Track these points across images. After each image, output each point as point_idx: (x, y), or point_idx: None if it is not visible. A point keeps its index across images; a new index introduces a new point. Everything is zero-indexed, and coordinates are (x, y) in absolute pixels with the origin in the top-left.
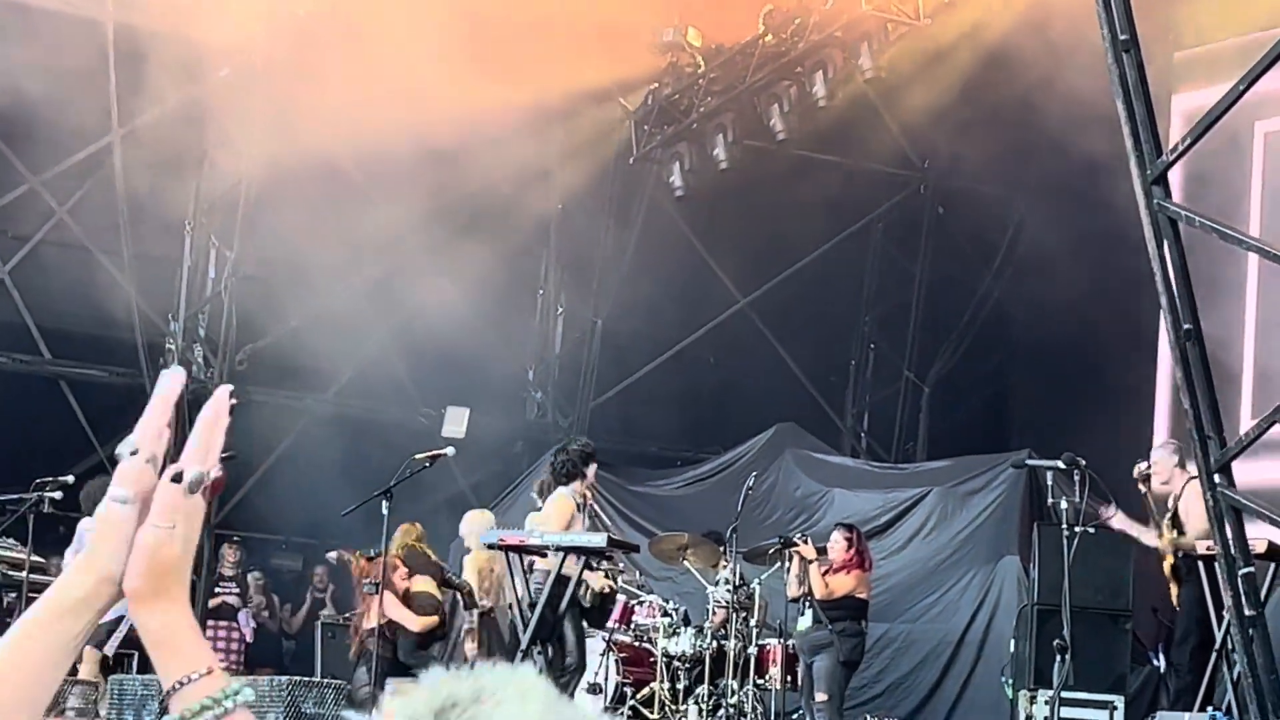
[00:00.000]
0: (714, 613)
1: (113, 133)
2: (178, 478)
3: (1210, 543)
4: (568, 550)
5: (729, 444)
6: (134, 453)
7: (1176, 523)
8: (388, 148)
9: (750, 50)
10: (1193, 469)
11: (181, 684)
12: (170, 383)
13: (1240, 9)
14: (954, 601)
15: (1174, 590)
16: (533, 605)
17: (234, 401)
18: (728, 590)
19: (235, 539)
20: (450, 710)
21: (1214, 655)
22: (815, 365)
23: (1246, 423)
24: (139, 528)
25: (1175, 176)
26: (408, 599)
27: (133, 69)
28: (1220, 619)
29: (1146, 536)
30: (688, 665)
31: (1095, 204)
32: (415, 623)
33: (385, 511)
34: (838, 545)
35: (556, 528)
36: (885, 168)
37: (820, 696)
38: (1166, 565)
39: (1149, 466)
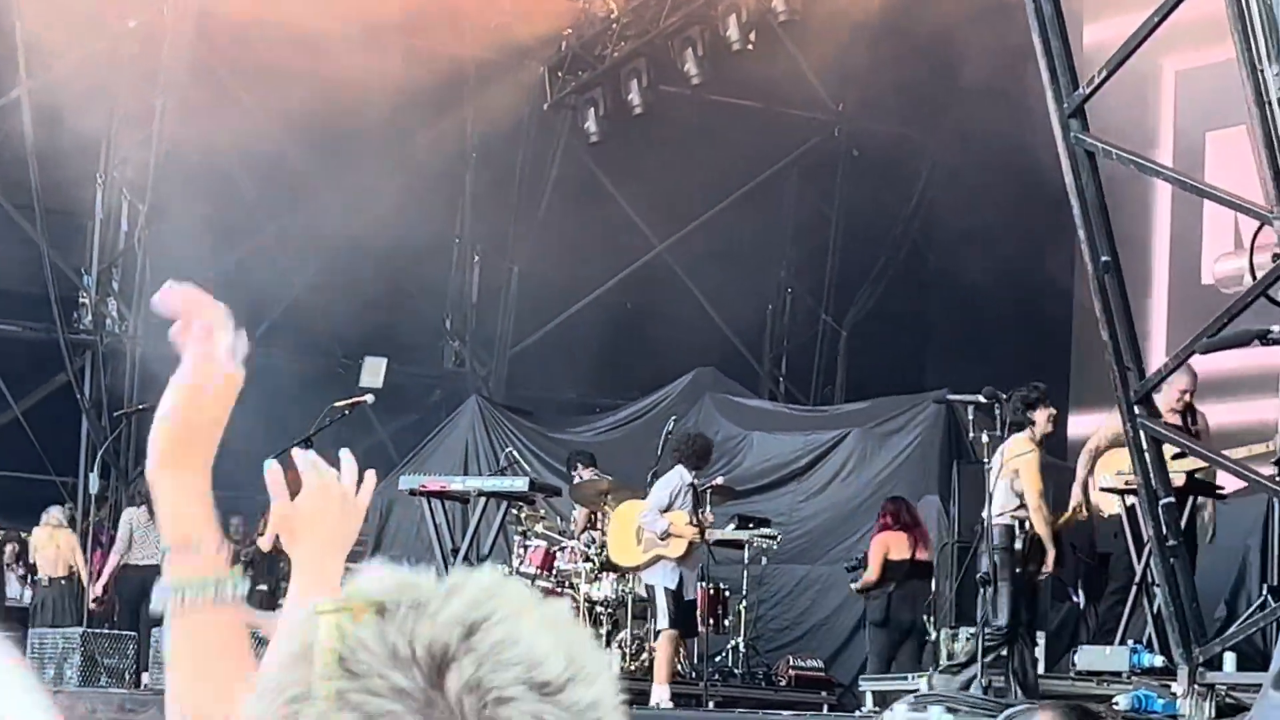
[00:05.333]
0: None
1: (20, 86)
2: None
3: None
4: (489, 495)
5: (648, 389)
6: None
7: None
8: (301, 98)
9: None
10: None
11: (183, 549)
12: None
13: None
14: None
15: None
16: (455, 551)
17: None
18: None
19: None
20: (472, 634)
21: (1134, 588)
22: (733, 310)
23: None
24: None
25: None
26: None
27: (40, 21)
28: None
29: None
30: (610, 610)
31: (1010, 141)
32: None
33: None
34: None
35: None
36: (800, 111)
37: None
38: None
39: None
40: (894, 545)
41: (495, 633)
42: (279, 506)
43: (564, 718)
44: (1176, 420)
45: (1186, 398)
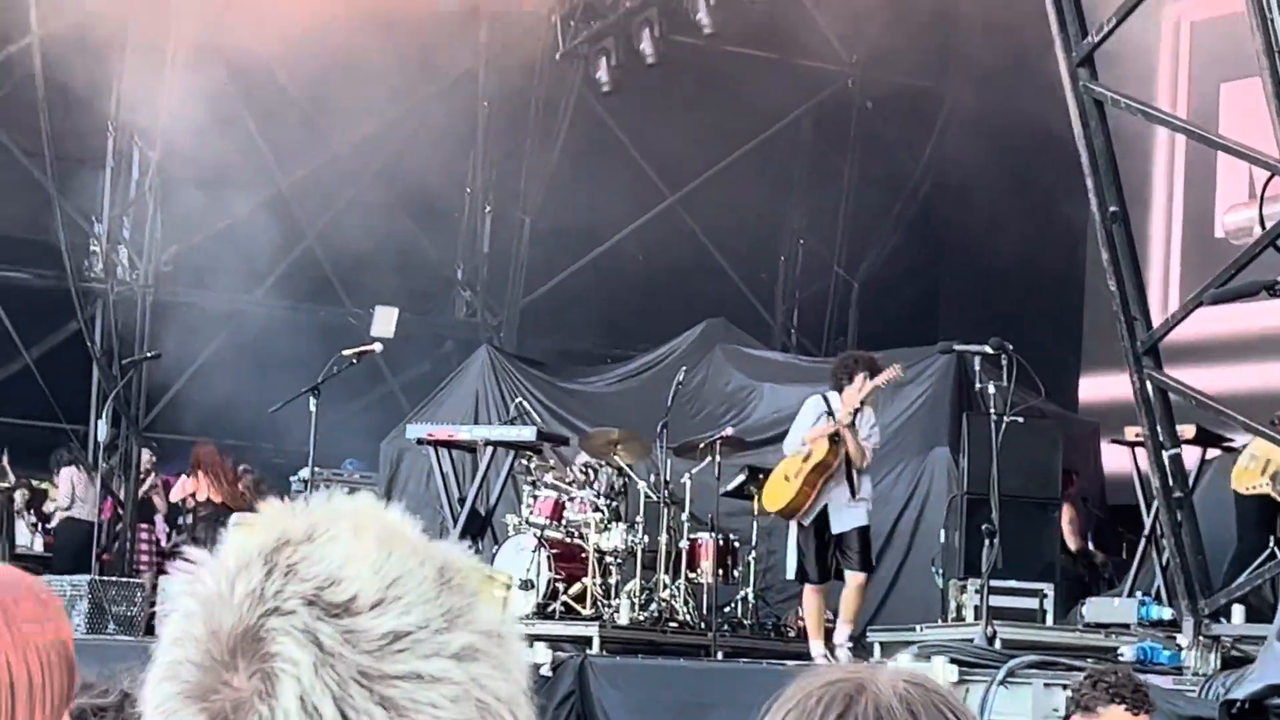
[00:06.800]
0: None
1: (32, 34)
2: None
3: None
4: (496, 444)
5: (659, 341)
6: None
7: None
8: (314, 47)
9: None
10: None
11: None
12: None
13: None
14: (885, 494)
15: None
16: (462, 500)
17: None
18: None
19: (154, 443)
20: (282, 549)
21: (1142, 540)
22: (745, 262)
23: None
24: None
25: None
26: None
27: None
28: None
29: None
30: (619, 560)
31: (1022, 94)
32: None
33: (313, 409)
34: None
35: None
36: (813, 63)
37: None
38: None
39: None
40: None
41: (305, 549)
42: None
43: (346, 640)
44: None
45: None
